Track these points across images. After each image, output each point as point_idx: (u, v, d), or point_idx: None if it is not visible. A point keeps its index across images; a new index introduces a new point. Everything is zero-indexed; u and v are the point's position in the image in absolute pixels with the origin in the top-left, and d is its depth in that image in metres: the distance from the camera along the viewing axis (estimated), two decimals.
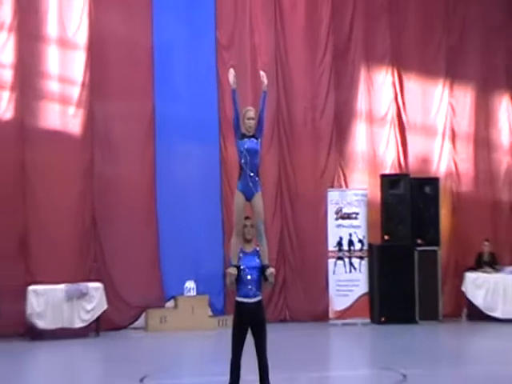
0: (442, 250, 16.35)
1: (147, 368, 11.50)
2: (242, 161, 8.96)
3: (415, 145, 17.28)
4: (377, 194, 16.34)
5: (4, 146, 14.93)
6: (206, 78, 16.27)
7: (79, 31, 15.58)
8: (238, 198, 8.96)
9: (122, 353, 13.54)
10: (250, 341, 8.89)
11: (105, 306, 14.72)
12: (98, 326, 14.79)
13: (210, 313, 15.76)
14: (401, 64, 17.30)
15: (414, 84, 17.36)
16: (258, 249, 8.94)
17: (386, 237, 15.98)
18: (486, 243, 16.42)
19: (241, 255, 8.83)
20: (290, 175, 16.70)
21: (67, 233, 15.21)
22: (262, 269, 8.80)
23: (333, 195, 16.16)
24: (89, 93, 15.57)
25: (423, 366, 11.37)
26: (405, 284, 15.74)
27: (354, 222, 16.05)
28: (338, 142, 16.93)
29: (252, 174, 8.94)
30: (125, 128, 15.72)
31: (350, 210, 16.05)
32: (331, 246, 15.97)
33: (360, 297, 15.91)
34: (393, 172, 16.98)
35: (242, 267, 8.76)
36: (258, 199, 8.99)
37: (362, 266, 15.99)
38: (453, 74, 17.45)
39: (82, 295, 14.52)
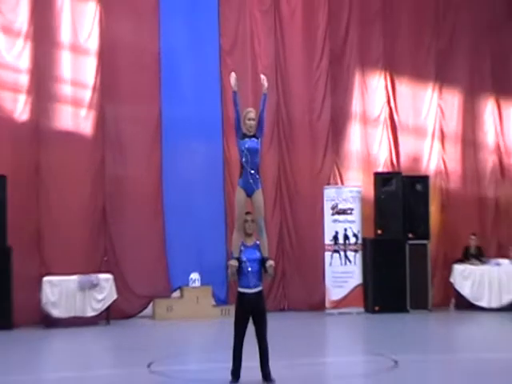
0: (432, 244, 16.50)
1: (154, 354, 11.65)
2: (243, 159, 9.24)
3: (407, 145, 17.44)
4: (370, 191, 16.46)
5: (20, 147, 15.15)
6: (209, 82, 16.41)
7: (91, 38, 15.78)
8: (240, 194, 9.32)
9: (131, 340, 13.71)
10: (250, 331, 9.21)
11: (115, 296, 14.95)
12: (109, 315, 14.96)
13: (214, 302, 15.93)
14: (393, 68, 17.41)
15: (405, 87, 17.46)
16: (258, 242, 9.28)
17: (379, 231, 16.14)
18: (473, 237, 16.64)
19: (242, 248, 9.21)
20: (288, 174, 16.87)
21: (79, 228, 15.34)
22: (263, 261, 9.16)
23: (329, 192, 16.28)
24: (100, 96, 15.73)
25: (414, 353, 11.53)
26: (397, 275, 15.88)
27: (349, 218, 16.15)
28: (334, 143, 17.07)
29: (253, 172, 9.25)
30: (133, 130, 15.87)
31: (345, 206, 16.16)
32: (327, 239, 16.09)
33: (355, 287, 16.06)
34: (385, 170, 17.12)
35: (243, 260, 9.10)
36: (258, 195, 9.30)
37: (356, 258, 16.12)
38: (442, 77, 17.58)
39: (94, 286, 14.75)
